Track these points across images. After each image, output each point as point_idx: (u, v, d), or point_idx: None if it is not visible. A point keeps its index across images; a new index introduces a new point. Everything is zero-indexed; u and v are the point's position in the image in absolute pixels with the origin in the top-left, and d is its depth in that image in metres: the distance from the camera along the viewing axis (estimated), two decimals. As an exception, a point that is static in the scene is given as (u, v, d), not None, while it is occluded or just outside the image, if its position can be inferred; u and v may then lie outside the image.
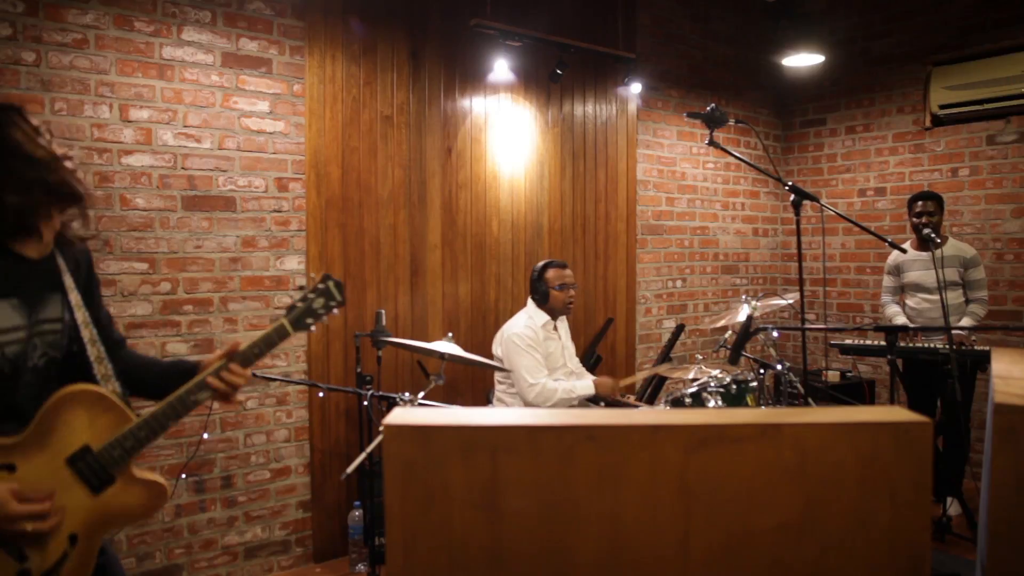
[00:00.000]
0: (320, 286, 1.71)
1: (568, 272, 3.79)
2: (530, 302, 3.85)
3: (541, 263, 3.80)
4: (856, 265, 5.72)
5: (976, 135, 5.02)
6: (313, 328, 1.72)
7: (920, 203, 4.23)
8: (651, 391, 4.32)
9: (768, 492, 0.92)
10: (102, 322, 1.71)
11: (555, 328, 3.82)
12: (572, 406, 3.76)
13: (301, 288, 1.71)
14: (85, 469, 1.52)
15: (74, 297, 1.61)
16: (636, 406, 3.99)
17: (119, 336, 1.79)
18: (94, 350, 1.61)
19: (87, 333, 1.60)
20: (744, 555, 0.93)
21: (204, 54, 3.37)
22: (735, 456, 0.92)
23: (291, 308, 1.70)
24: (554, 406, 3.59)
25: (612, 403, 3.89)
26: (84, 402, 1.53)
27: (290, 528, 3.69)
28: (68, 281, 1.61)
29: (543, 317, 3.76)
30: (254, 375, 3.16)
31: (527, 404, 3.60)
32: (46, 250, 1.58)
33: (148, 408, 1.60)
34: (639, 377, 4.31)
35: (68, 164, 1.57)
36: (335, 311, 1.73)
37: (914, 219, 4.25)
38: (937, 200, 4.26)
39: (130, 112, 3.20)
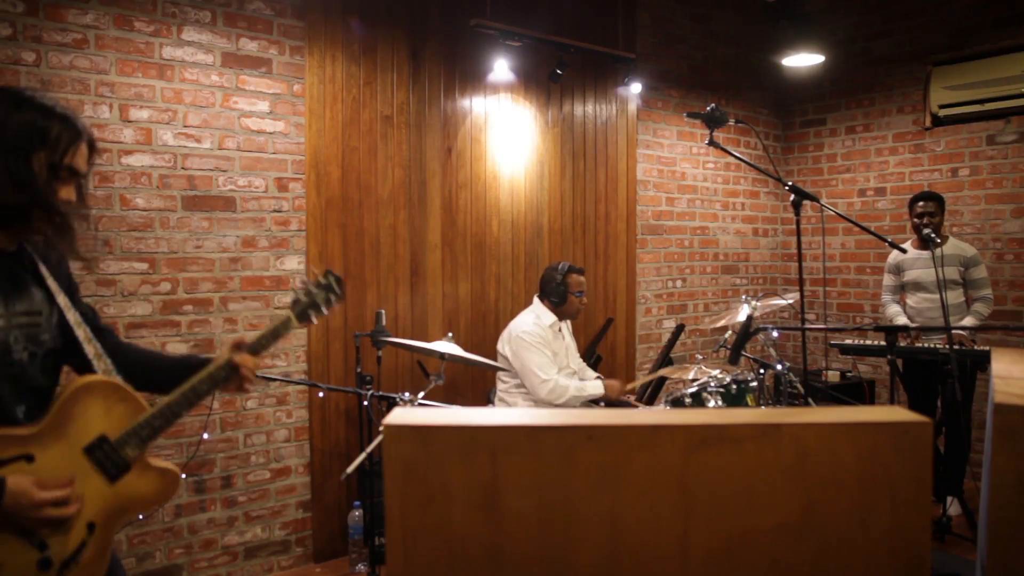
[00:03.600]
0: (322, 281, 1.81)
1: (584, 279, 3.87)
2: (536, 301, 3.85)
3: (563, 265, 3.80)
4: (856, 265, 5.72)
5: (976, 135, 5.02)
6: (315, 320, 1.83)
7: (921, 203, 4.24)
8: (651, 391, 4.32)
9: (768, 492, 0.92)
10: (87, 315, 1.71)
11: (560, 329, 3.83)
12: (577, 406, 3.77)
13: (304, 283, 1.81)
14: (102, 458, 1.54)
15: (62, 300, 1.61)
16: (636, 406, 3.99)
17: (105, 327, 1.79)
18: (91, 348, 1.62)
19: (81, 332, 1.61)
20: (744, 555, 0.93)
21: (204, 54, 3.37)
22: (735, 456, 0.92)
23: (295, 302, 1.79)
24: (565, 403, 3.62)
25: (613, 403, 3.90)
26: (100, 392, 1.55)
27: (290, 528, 3.69)
28: (52, 284, 1.60)
29: (550, 317, 3.77)
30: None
31: (539, 400, 3.61)
32: (14, 243, 1.56)
33: (161, 398, 1.63)
34: (647, 380, 4.30)
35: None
36: (335, 304, 1.84)
37: (915, 219, 4.26)
38: (938, 200, 4.26)
39: (130, 112, 3.20)
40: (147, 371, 1.76)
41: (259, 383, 1.77)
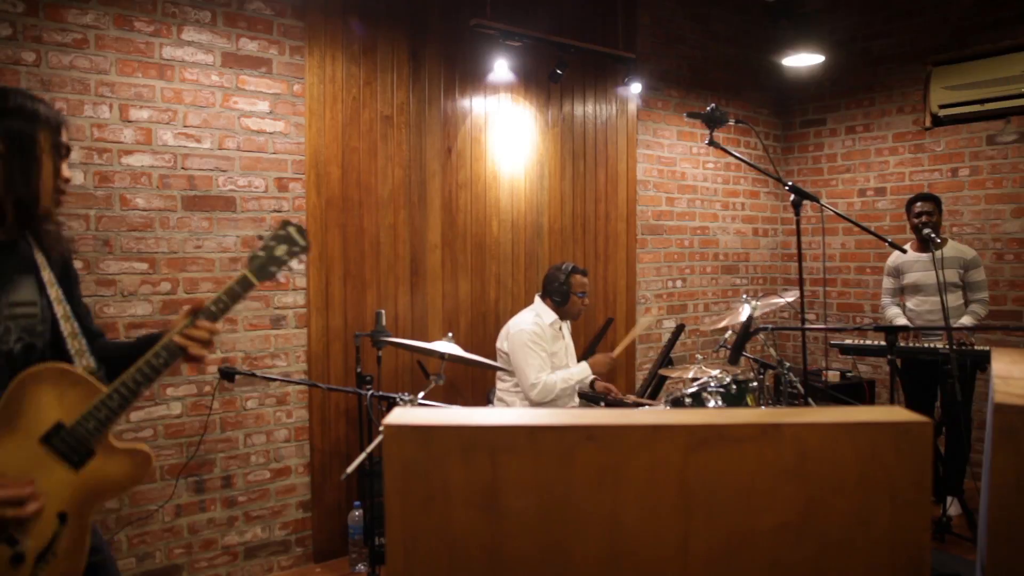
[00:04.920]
0: (281, 232, 1.66)
1: (587, 281, 3.87)
2: (538, 300, 3.85)
3: (567, 265, 3.81)
4: (856, 265, 5.72)
5: (976, 135, 5.02)
6: (280, 277, 1.67)
7: (919, 204, 4.25)
8: (652, 389, 4.32)
9: (768, 492, 0.92)
10: (80, 314, 1.69)
11: (560, 328, 3.83)
12: (573, 401, 3.76)
13: (261, 237, 1.67)
14: (61, 446, 1.50)
15: (47, 275, 1.59)
16: (636, 405, 3.99)
17: (97, 329, 1.76)
18: (74, 343, 1.59)
19: (67, 327, 1.59)
20: (744, 555, 0.93)
21: (204, 54, 3.37)
22: (735, 456, 0.92)
23: (253, 257, 1.65)
24: (556, 398, 3.61)
25: (612, 403, 3.90)
26: (49, 379, 1.50)
27: (290, 528, 3.69)
28: (40, 259, 1.59)
29: (551, 316, 3.77)
30: (254, 375, 3.16)
31: (530, 401, 3.61)
32: (13, 232, 1.57)
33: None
34: (629, 340, 4.23)
35: (63, 186, 1.60)
36: (301, 257, 1.68)
37: (913, 219, 4.27)
38: (935, 201, 4.27)
39: (130, 112, 3.20)
40: (117, 359, 1.68)
41: (214, 350, 1.64)
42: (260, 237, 1.67)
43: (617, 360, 3.94)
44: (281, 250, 1.65)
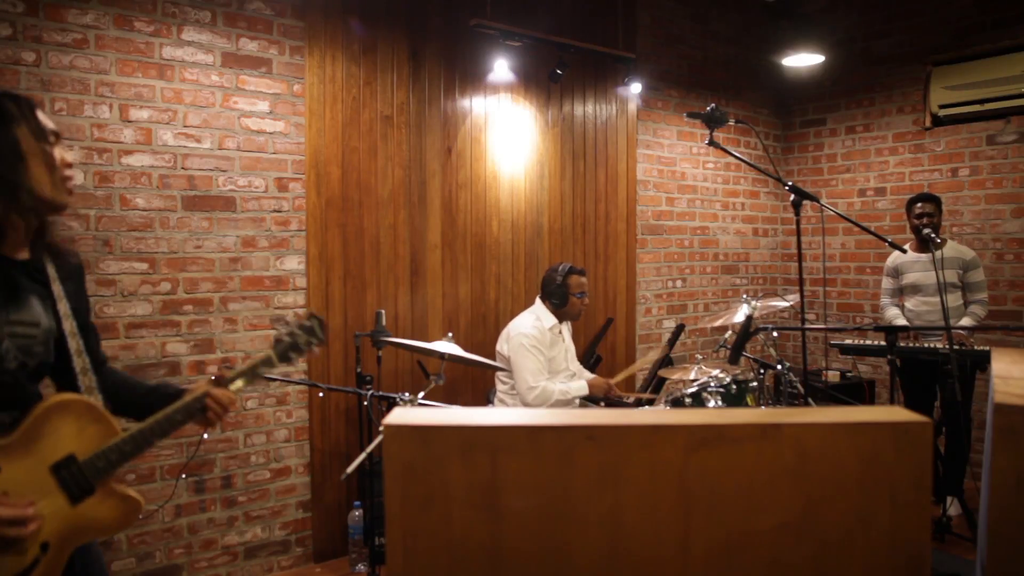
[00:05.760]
0: (306, 323, 1.78)
1: (586, 280, 3.84)
2: (538, 302, 3.84)
3: (564, 266, 3.79)
4: (856, 265, 5.72)
5: (976, 135, 5.02)
6: (295, 363, 1.81)
7: (919, 204, 4.24)
8: (653, 387, 4.32)
9: (768, 492, 0.93)
10: (90, 339, 1.70)
11: (560, 331, 3.83)
12: (569, 406, 3.76)
13: (288, 323, 1.78)
14: (68, 478, 1.52)
15: (63, 307, 1.59)
16: (636, 404, 3.99)
17: (103, 356, 1.79)
18: (80, 361, 1.60)
19: (74, 344, 1.59)
20: (744, 555, 0.93)
21: (204, 54, 3.37)
22: (735, 456, 0.92)
23: (278, 341, 1.76)
24: (551, 407, 3.60)
25: (612, 403, 3.89)
26: (74, 411, 1.53)
27: (290, 528, 3.69)
28: (58, 289, 1.59)
29: (551, 319, 3.76)
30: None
31: (525, 405, 3.61)
32: (22, 249, 1.56)
33: (134, 424, 1.61)
34: (631, 371, 4.25)
35: (68, 172, 1.58)
36: (315, 348, 1.80)
37: (914, 220, 4.26)
38: (935, 201, 4.26)
39: (130, 112, 3.20)
40: (126, 396, 1.75)
41: (226, 421, 1.73)
42: (288, 323, 1.77)
43: (614, 387, 3.90)
44: (303, 339, 1.77)
